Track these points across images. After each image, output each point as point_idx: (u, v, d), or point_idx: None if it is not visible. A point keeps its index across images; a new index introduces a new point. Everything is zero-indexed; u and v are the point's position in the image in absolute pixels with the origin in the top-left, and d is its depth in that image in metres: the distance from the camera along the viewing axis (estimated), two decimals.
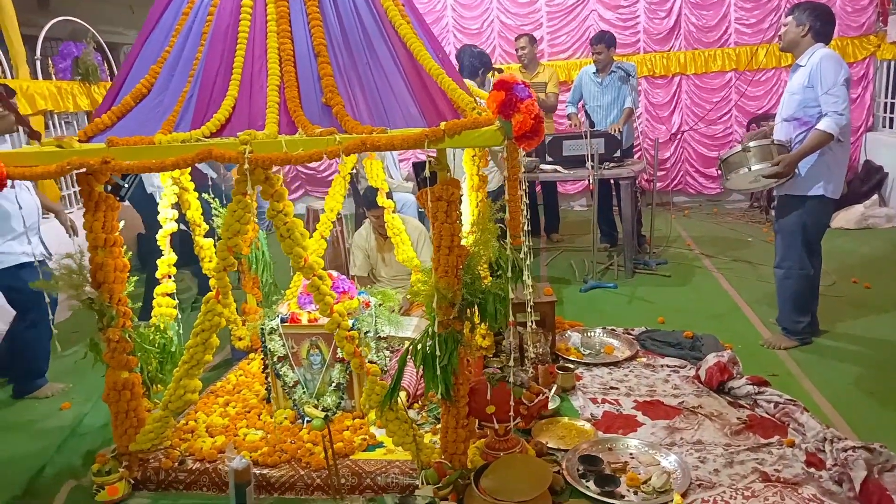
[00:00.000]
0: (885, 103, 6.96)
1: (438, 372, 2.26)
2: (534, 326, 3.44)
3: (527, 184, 2.60)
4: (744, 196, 7.39)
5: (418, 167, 2.28)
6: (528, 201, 2.72)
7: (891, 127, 6.89)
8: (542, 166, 5.10)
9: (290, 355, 2.91)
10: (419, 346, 2.30)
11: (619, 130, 5.13)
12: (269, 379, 2.98)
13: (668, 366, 3.46)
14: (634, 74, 5.32)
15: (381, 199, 3.67)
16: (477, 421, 2.55)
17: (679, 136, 7.40)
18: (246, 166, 2.04)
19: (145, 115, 2.39)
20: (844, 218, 6.13)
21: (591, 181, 4.67)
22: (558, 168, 5.02)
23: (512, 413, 2.42)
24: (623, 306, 4.45)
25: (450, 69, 2.92)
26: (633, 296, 4.61)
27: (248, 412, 3.04)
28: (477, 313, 2.38)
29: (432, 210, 2.21)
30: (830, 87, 3.27)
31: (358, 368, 2.40)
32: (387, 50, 2.28)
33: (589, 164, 4.71)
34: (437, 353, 2.27)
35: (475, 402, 2.44)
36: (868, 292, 4.39)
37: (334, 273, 3.08)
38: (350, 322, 2.88)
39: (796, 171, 3.41)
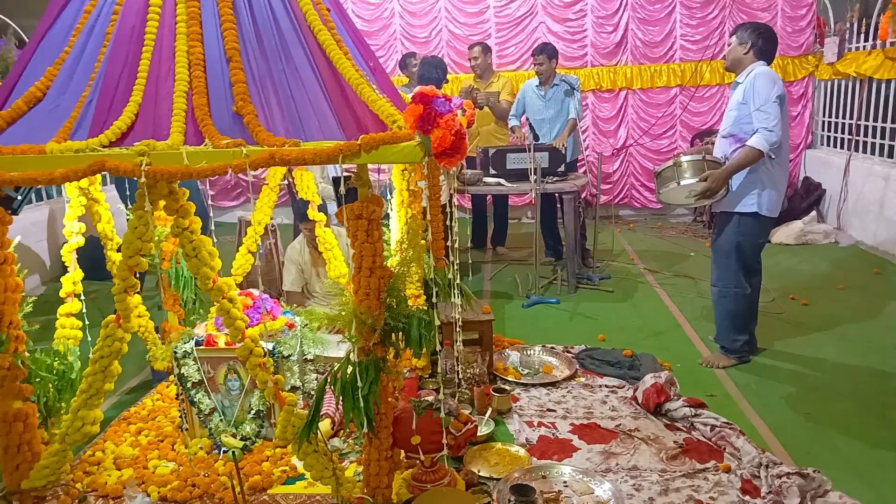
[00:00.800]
0: (824, 122, 7.13)
1: (359, 402, 2.11)
2: (461, 348, 3.33)
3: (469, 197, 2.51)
4: (687, 210, 7.47)
5: (337, 182, 2.14)
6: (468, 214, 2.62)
7: (829, 145, 7.06)
8: (486, 179, 5.00)
9: (205, 380, 2.71)
10: (338, 374, 2.14)
11: (564, 145, 5.07)
12: (184, 406, 2.77)
13: (606, 386, 3.38)
14: (578, 87, 5.28)
15: (312, 212, 3.50)
16: (403, 452, 2.40)
17: (625, 151, 7.43)
18: (143, 179, 1.86)
19: (39, 121, 2.18)
20: (784, 234, 6.22)
21: (533, 195, 4.59)
22: (501, 181, 4.94)
23: (445, 441, 2.29)
24: (565, 323, 4.37)
25: (382, 80, 2.79)
26: (575, 312, 4.54)
27: (162, 441, 2.82)
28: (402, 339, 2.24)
29: (351, 229, 2.06)
30: (762, 104, 3.26)
31: (272, 398, 2.23)
32: (304, 57, 2.13)
33: (532, 177, 4.63)
34: (358, 381, 2.13)
35: (400, 432, 2.30)
36: (805, 310, 4.42)
37: (255, 292, 2.91)
38: (269, 346, 2.71)
39: (729, 187, 3.40)
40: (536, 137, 5.33)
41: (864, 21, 6.18)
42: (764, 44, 3.34)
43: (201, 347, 2.70)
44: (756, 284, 3.62)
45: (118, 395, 3.52)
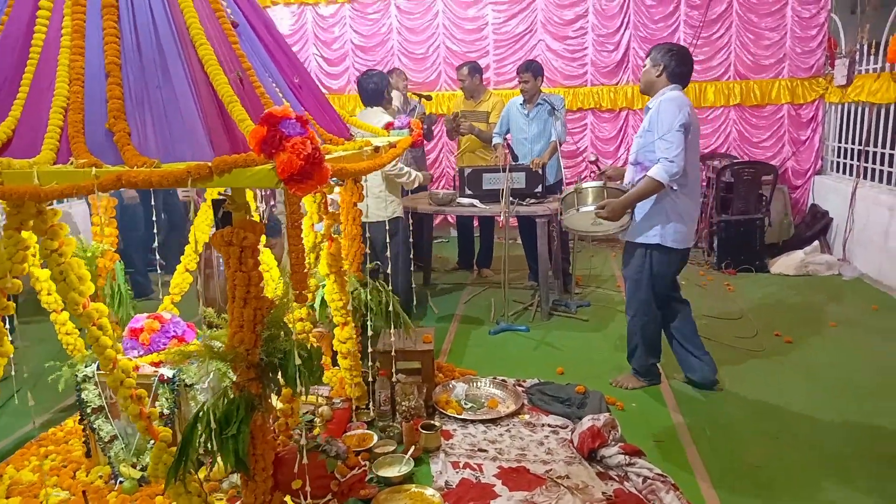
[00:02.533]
0: (835, 147, 6.80)
1: (229, 442, 1.97)
2: (397, 379, 3.17)
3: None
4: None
5: (216, 205, 2.02)
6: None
7: (839, 171, 6.73)
8: (460, 199, 4.85)
9: (106, 406, 2.60)
10: (207, 411, 2.00)
11: (542, 165, 4.89)
12: (87, 432, 2.66)
13: (549, 425, 3.17)
14: (562, 107, 5.09)
15: None
16: (288, 496, 2.25)
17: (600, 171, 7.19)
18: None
19: None
20: (784, 264, 5.91)
21: (504, 217, 4.41)
22: (475, 202, 4.78)
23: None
24: (528, 353, 4.17)
25: (306, 97, 2.67)
26: (542, 341, 4.33)
27: (65, 467, 2.72)
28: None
29: (224, 257, 1.93)
30: (665, 133, 3.14)
31: (143, 432, 2.10)
32: (182, 72, 2.02)
33: (503, 199, 4.46)
34: (233, 419, 1.98)
35: (282, 475, 2.14)
36: (787, 348, 4.14)
37: (167, 315, 2.79)
38: (170, 373, 2.59)
39: (633, 217, 3.34)
40: (515, 158, 5.17)
41: (874, 43, 5.88)
42: (677, 66, 3.21)
43: (171, 350, 2.58)
44: (686, 314, 3.61)
45: (50, 413, 3.44)
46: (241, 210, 1.94)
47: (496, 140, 5.38)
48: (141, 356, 2.62)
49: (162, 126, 1.97)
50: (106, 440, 2.61)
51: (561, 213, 3.66)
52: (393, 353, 3.07)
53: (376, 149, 2.59)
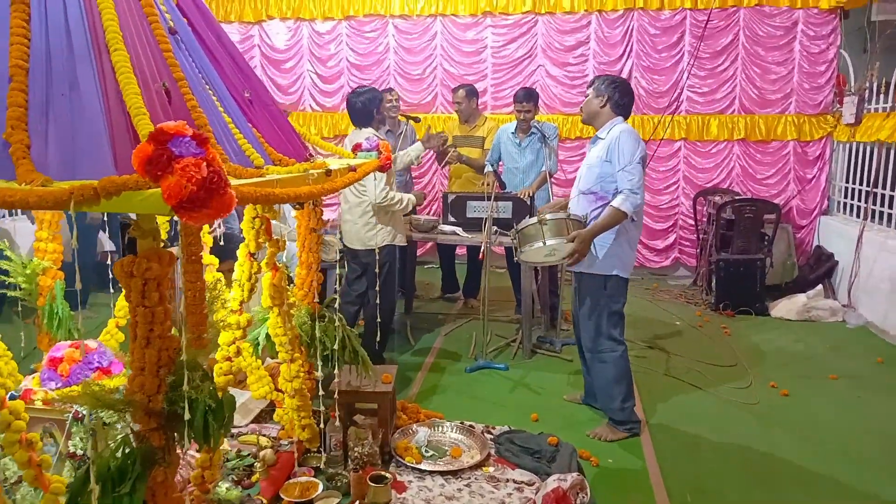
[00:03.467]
0: (842, 187, 6.54)
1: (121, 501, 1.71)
2: (349, 422, 2.90)
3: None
4: (689, 273, 6.92)
5: (123, 228, 1.78)
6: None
7: (846, 212, 6.46)
8: (442, 227, 4.62)
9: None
10: (103, 463, 1.75)
11: (530, 195, 4.65)
12: None
13: (514, 481, 2.88)
14: (554, 136, 4.88)
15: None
16: None
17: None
18: None
19: None
20: (786, 308, 5.63)
21: (484, 248, 4.17)
22: (457, 230, 4.54)
23: None
24: (503, 394, 3.90)
25: (257, 113, 2.46)
26: (520, 382, 4.06)
27: None
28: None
29: (125, 289, 1.69)
30: (627, 164, 3.16)
31: (32, 482, 1.85)
32: (92, 79, 1.79)
33: (485, 229, 4.22)
34: (128, 475, 1.73)
35: None
36: (782, 402, 3.85)
37: (93, 343, 2.55)
38: (84, 410, 2.33)
39: (592, 249, 3.28)
40: (503, 185, 4.94)
41: (884, 81, 5.65)
42: (620, 97, 3.29)
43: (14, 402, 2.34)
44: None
45: None
46: (148, 237, 1.70)
47: (487, 168, 5.15)
48: (58, 388, 2.38)
49: (65, 139, 1.74)
50: (12, 481, 2.35)
51: (517, 247, 3.49)
52: (336, 396, 2.81)
53: (328, 172, 2.36)
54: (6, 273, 3.07)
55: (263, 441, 2.89)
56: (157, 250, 1.70)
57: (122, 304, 3.20)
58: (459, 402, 3.72)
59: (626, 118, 3.36)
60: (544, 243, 3.28)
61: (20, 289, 3.08)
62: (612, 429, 3.38)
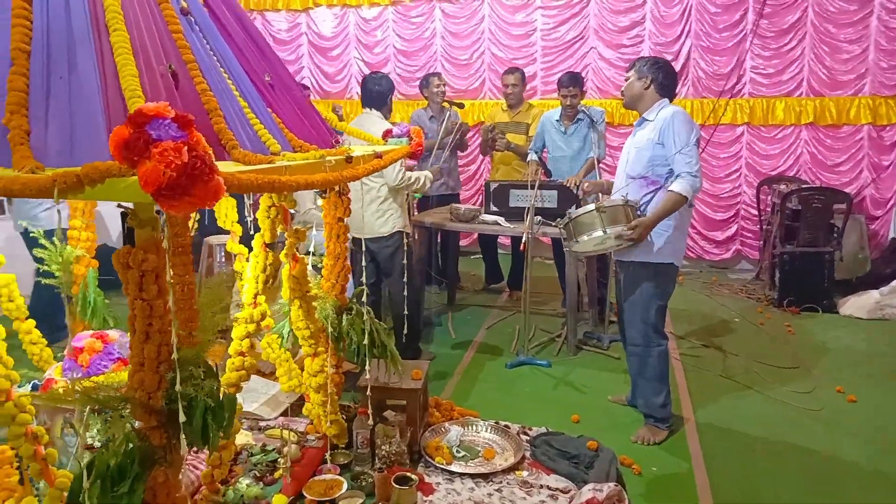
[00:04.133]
0: None
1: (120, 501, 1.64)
2: (376, 420, 2.79)
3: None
4: (751, 266, 6.53)
5: (123, 217, 1.70)
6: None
7: None
8: (483, 216, 4.45)
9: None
10: (103, 460, 1.68)
11: (576, 184, 4.43)
12: (21, 459, 2.40)
13: (549, 487, 2.71)
14: (602, 121, 4.64)
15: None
16: None
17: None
18: None
19: None
20: (856, 305, 5.22)
21: (525, 239, 3.98)
22: (499, 220, 4.37)
23: None
24: (545, 392, 3.72)
25: (279, 98, 2.36)
26: (563, 380, 3.87)
27: None
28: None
29: (122, 280, 1.61)
30: (683, 146, 3.00)
31: (37, 476, 1.80)
32: (91, 61, 1.71)
33: (527, 219, 4.03)
34: (127, 474, 1.66)
35: None
36: (849, 409, 3.53)
37: (115, 334, 2.51)
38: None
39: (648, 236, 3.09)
40: (549, 174, 4.73)
41: None
42: (664, 78, 3.15)
43: (37, 393, 2.32)
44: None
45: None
46: (146, 226, 1.62)
47: (531, 157, 4.95)
48: (79, 378, 2.35)
49: (63, 124, 1.67)
50: (51, 465, 2.34)
51: (569, 234, 3.31)
52: (368, 393, 2.71)
53: (348, 159, 2.24)
54: (42, 261, 3.09)
55: (289, 436, 2.81)
56: (156, 241, 1.61)
57: None
58: (497, 400, 3.57)
59: (671, 100, 3.19)
60: (604, 231, 3.12)
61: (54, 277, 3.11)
62: (653, 429, 3.19)
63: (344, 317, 2.77)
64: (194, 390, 1.67)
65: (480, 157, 6.92)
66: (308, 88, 6.27)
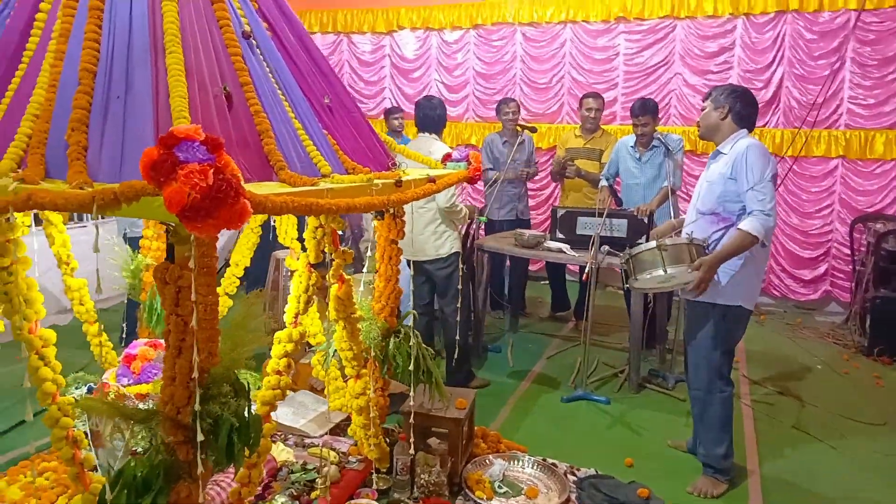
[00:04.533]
0: None
1: None
2: (418, 447, 2.75)
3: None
4: (843, 309, 6.08)
5: (166, 234, 1.75)
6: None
7: None
8: (548, 243, 4.35)
9: (90, 434, 2.43)
10: (129, 472, 1.72)
11: (648, 213, 4.26)
12: None
13: None
14: (679, 149, 4.45)
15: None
16: None
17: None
18: None
19: None
20: None
21: (588, 269, 3.86)
22: (563, 248, 4.25)
23: None
24: (599, 430, 3.56)
25: (339, 120, 2.40)
26: (620, 419, 3.69)
27: (53, 488, 2.58)
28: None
29: (160, 295, 1.66)
30: (756, 182, 2.82)
31: (74, 480, 1.87)
32: (147, 83, 1.78)
33: (592, 247, 3.91)
34: (152, 486, 1.69)
35: None
36: None
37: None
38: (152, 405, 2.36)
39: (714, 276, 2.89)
40: (619, 202, 4.58)
41: None
42: (742, 108, 2.96)
43: (89, 396, 2.43)
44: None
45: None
46: (185, 243, 1.65)
47: (602, 183, 4.82)
48: (130, 385, 2.44)
49: (116, 142, 1.74)
50: (88, 469, 2.43)
51: (629, 272, 3.19)
52: (411, 420, 2.67)
53: (398, 182, 2.23)
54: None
55: (329, 455, 2.81)
56: (187, 261, 1.65)
57: None
58: (548, 435, 3.45)
59: (750, 131, 2.99)
60: (664, 271, 2.97)
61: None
62: (713, 481, 2.98)
63: (391, 340, 2.76)
64: (221, 409, 1.68)
65: (551, 184, 6.81)
66: (402, 111, 6.34)
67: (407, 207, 3.89)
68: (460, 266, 3.85)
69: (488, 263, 4.62)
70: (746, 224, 2.80)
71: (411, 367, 2.71)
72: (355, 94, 7.61)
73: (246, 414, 1.70)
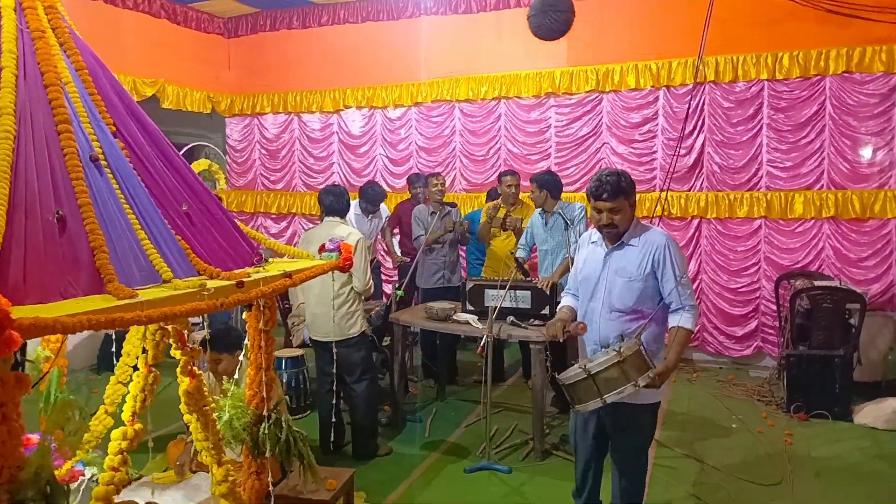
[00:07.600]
0: None
1: None
2: None
3: None
4: (775, 364, 6.20)
5: None
6: None
7: None
8: (457, 315, 4.54)
9: None
10: None
11: (550, 285, 4.46)
12: None
13: None
14: (581, 219, 4.69)
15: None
16: None
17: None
18: None
19: None
20: (873, 413, 4.86)
21: (484, 341, 4.03)
22: (470, 320, 4.44)
23: None
24: (495, 502, 3.67)
25: (187, 224, 2.61)
26: (517, 489, 3.81)
27: None
28: None
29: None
30: (682, 276, 2.81)
31: None
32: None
33: (489, 318, 4.09)
34: None
35: None
36: None
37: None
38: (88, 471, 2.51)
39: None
40: (526, 273, 4.79)
41: None
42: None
43: None
44: None
45: None
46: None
47: (519, 253, 5.02)
48: None
49: None
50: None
51: (583, 397, 2.69)
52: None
53: (239, 284, 2.44)
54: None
55: None
56: (7, 372, 1.84)
57: (108, 393, 3.45)
58: None
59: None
60: (636, 385, 2.58)
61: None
62: None
63: (263, 426, 2.91)
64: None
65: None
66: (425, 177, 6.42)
67: (326, 290, 4.11)
68: (376, 341, 4.05)
69: (403, 337, 4.79)
70: (687, 322, 2.75)
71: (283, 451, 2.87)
72: (306, 169, 7.96)
73: None
